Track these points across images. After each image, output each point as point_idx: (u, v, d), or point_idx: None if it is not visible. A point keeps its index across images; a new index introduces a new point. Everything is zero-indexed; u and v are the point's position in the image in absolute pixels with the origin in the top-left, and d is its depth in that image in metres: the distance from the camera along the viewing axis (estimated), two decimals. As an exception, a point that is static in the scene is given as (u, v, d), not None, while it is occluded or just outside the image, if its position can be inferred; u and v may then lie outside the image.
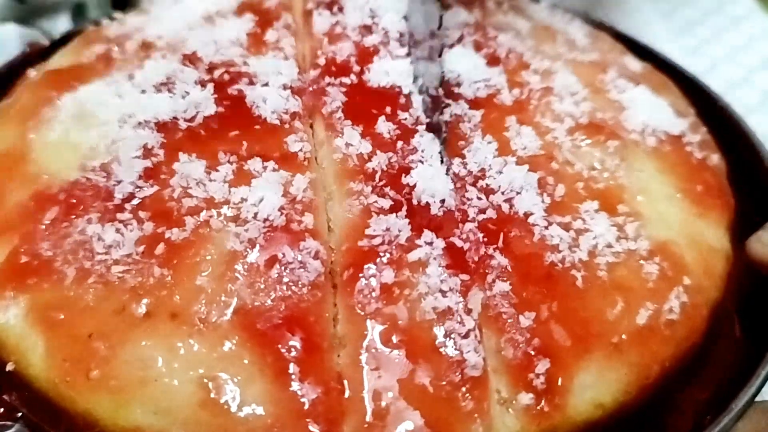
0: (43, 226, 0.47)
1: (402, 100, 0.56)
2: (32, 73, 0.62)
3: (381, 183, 0.49)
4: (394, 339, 0.42)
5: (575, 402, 0.43)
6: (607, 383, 0.44)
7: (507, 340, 0.43)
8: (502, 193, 0.50)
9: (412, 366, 0.41)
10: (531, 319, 0.44)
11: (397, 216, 0.47)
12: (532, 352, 0.43)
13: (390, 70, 0.57)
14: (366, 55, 0.59)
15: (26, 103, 0.58)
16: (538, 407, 0.42)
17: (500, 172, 0.51)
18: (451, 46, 0.62)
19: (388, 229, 0.46)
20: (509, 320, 0.44)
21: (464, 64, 0.59)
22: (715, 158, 0.59)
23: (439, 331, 0.42)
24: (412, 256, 0.45)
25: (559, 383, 0.42)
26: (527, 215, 0.48)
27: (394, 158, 0.51)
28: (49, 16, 0.84)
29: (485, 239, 0.47)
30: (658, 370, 0.45)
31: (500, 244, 0.47)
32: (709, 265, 0.51)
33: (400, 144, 0.52)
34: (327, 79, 0.57)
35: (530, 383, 0.42)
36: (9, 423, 0.45)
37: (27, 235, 0.47)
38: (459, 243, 0.46)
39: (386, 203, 0.48)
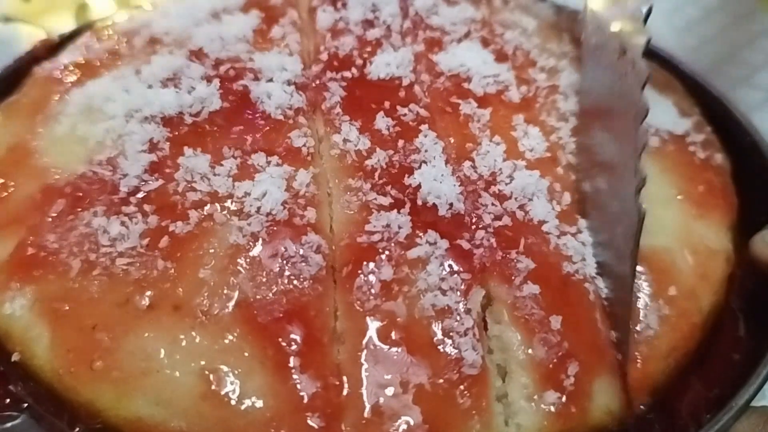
0: (50, 219, 0.47)
1: (402, 93, 0.56)
2: (41, 68, 0.63)
3: (381, 181, 0.49)
4: (393, 336, 0.42)
5: (592, 406, 0.43)
6: (614, 392, 0.44)
7: (538, 340, 0.44)
8: (516, 199, 0.50)
9: (410, 363, 0.41)
10: (560, 322, 0.44)
11: (398, 212, 0.47)
12: (563, 354, 0.43)
13: (391, 61, 0.57)
14: (368, 49, 0.59)
15: (35, 98, 0.59)
16: (564, 407, 0.42)
17: (511, 177, 0.51)
18: (459, 41, 0.62)
19: (387, 226, 0.46)
20: (540, 321, 0.44)
21: (474, 59, 0.59)
22: (719, 158, 0.59)
23: (437, 329, 0.43)
24: (412, 253, 0.45)
25: (584, 387, 0.43)
26: (541, 223, 0.49)
27: (396, 157, 0.51)
28: (53, 16, 0.85)
29: (503, 244, 0.47)
30: (654, 382, 0.46)
31: (521, 248, 0.47)
32: (707, 268, 0.51)
33: (401, 143, 0.52)
34: (329, 74, 0.57)
35: (561, 383, 0.42)
36: (15, 413, 0.45)
37: (34, 227, 0.47)
38: (466, 246, 0.46)
39: (386, 200, 0.48)
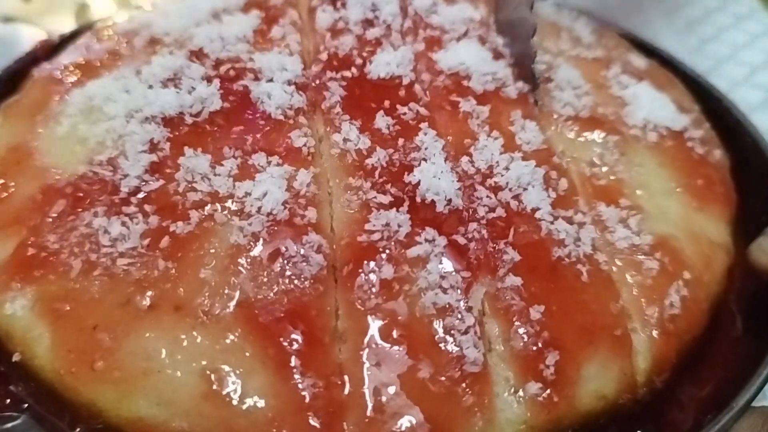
0: (51, 219, 0.47)
1: (402, 92, 0.56)
2: (41, 69, 0.63)
3: (381, 180, 0.49)
4: (395, 334, 0.42)
5: (580, 393, 0.43)
6: (610, 374, 0.44)
7: (516, 332, 0.44)
8: (510, 189, 0.50)
9: (412, 362, 0.41)
10: (540, 312, 0.44)
11: (397, 211, 0.47)
12: (542, 344, 0.43)
13: (391, 61, 0.57)
14: (368, 48, 0.59)
15: (35, 98, 0.59)
16: (547, 397, 0.42)
17: (507, 168, 0.51)
18: (458, 40, 0.62)
19: (387, 225, 0.46)
20: (520, 312, 0.44)
21: (473, 58, 0.60)
22: (718, 154, 0.59)
23: (438, 327, 0.43)
24: (412, 252, 0.45)
25: (568, 374, 0.43)
26: (534, 211, 0.49)
27: (396, 155, 0.51)
28: (54, 16, 0.85)
29: (494, 235, 0.47)
30: (659, 362, 0.46)
31: (510, 239, 0.47)
32: (709, 258, 0.52)
33: (401, 141, 0.52)
34: (329, 74, 0.57)
35: (540, 373, 0.42)
36: (15, 414, 0.45)
37: (34, 227, 0.47)
38: (462, 241, 0.46)
39: (386, 199, 0.48)
